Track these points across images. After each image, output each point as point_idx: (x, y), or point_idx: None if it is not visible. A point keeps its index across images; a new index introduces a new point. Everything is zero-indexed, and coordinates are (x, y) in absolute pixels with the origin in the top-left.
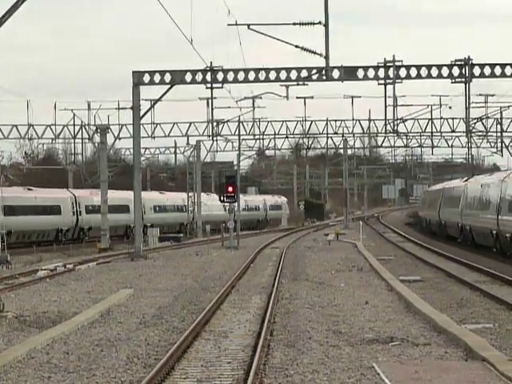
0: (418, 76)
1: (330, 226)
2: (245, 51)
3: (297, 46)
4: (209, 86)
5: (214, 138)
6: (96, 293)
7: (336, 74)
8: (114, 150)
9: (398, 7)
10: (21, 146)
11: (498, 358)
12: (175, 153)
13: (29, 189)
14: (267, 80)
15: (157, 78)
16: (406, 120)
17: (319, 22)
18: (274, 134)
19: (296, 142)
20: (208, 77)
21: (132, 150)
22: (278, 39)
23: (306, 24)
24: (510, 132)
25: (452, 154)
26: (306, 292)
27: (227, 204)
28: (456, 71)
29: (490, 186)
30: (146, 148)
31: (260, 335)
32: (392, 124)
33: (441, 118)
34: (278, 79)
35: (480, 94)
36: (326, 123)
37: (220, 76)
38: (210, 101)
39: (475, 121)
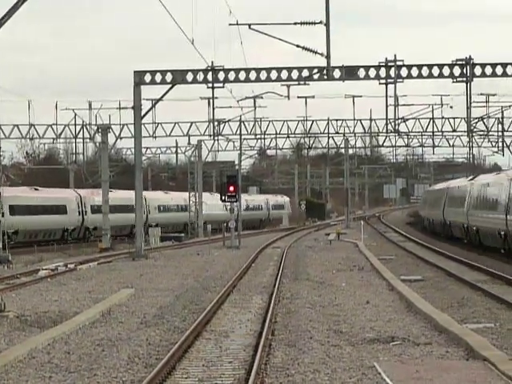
0: (420, 75)
1: (331, 226)
2: (246, 51)
3: (298, 46)
4: (210, 85)
5: (216, 138)
6: (97, 292)
7: (337, 73)
8: (116, 149)
9: (398, 7)
10: (22, 146)
11: (499, 358)
12: (176, 152)
13: (35, 189)
14: (268, 80)
15: (158, 77)
16: (407, 119)
17: (320, 22)
18: (276, 134)
19: (297, 142)
20: (209, 76)
21: (133, 150)
22: (279, 39)
23: (307, 24)
24: (511, 131)
25: (453, 154)
26: (307, 292)
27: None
28: (457, 71)
29: (498, 185)
30: (147, 148)
31: (261, 335)
32: (393, 123)
33: (442, 117)
34: (279, 79)
35: (481, 94)
36: (328, 123)
37: (221, 76)
38: (211, 100)
39: (476, 120)
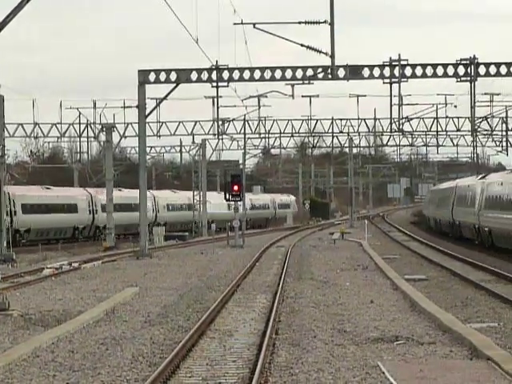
0: (424, 75)
1: (335, 225)
2: (250, 50)
3: (302, 45)
4: (214, 84)
5: (220, 137)
6: (101, 291)
7: (341, 72)
8: (120, 148)
9: (398, 7)
10: (26, 145)
11: (502, 357)
12: (180, 151)
13: (47, 188)
14: (273, 79)
15: (162, 76)
16: (412, 119)
17: (325, 21)
18: (280, 133)
19: (301, 141)
20: (214, 75)
21: (137, 149)
22: (283, 38)
23: (311, 23)
24: None
25: (457, 153)
26: (311, 291)
27: (239, 202)
28: (461, 70)
29: None
30: (151, 147)
31: (265, 334)
32: (397, 123)
33: (446, 116)
34: (283, 78)
35: (485, 93)
36: (332, 122)
37: (226, 75)
38: (215, 99)
39: (480, 120)
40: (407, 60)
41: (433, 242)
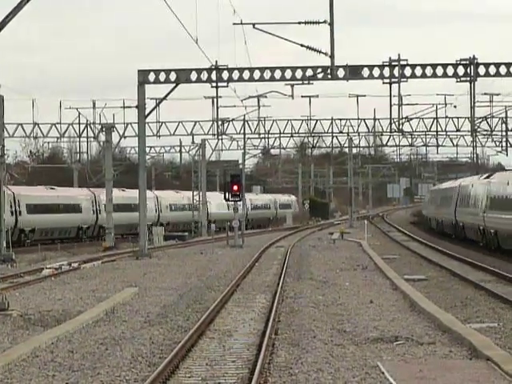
0: (423, 75)
1: (334, 225)
2: (250, 50)
3: (302, 45)
4: (214, 84)
5: (219, 137)
6: (100, 291)
7: (341, 73)
8: (119, 148)
9: (398, 7)
10: (26, 145)
11: (502, 358)
12: (180, 151)
13: (51, 188)
14: (272, 79)
15: (162, 76)
16: (411, 119)
17: (324, 21)
18: (279, 133)
19: (301, 141)
20: (213, 76)
21: (137, 149)
22: (283, 38)
23: (311, 23)
24: None
25: (457, 153)
26: (311, 291)
27: (239, 202)
28: (461, 70)
29: None
30: (151, 147)
31: (264, 334)
32: (397, 123)
33: (446, 117)
34: (283, 78)
35: (485, 93)
36: (331, 122)
37: (225, 75)
38: (215, 99)
39: (480, 120)
40: (407, 60)
41: (432, 242)
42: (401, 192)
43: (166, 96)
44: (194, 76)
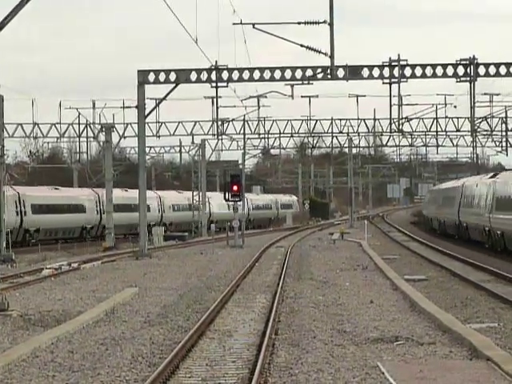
0: (423, 75)
1: (334, 225)
2: (249, 50)
3: (302, 45)
4: (214, 84)
5: (219, 137)
6: (100, 292)
7: (341, 73)
8: (119, 148)
9: (398, 7)
10: (26, 145)
11: (502, 358)
12: (180, 152)
13: (55, 188)
14: (272, 79)
15: (162, 77)
16: (411, 119)
17: (324, 22)
18: (279, 133)
19: (301, 141)
20: (213, 76)
21: (137, 149)
22: (283, 38)
23: (311, 23)
24: None
25: (457, 154)
26: (311, 291)
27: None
28: (461, 70)
29: None
30: (150, 147)
31: (265, 334)
32: (397, 123)
33: (446, 117)
34: (283, 78)
35: (485, 94)
36: (331, 122)
37: (225, 75)
38: (215, 100)
39: (480, 120)
40: (407, 60)
41: (433, 242)
42: (401, 192)
43: (166, 96)
44: (193, 76)
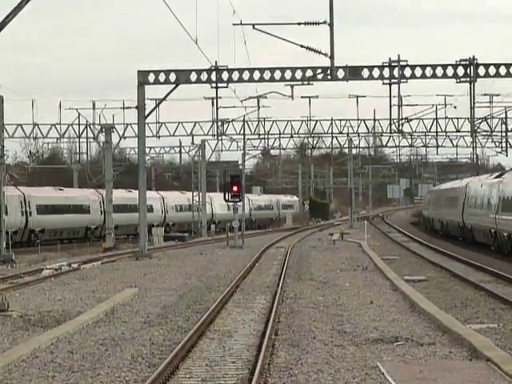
0: (423, 76)
1: (334, 226)
2: (249, 50)
3: (302, 46)
4: (214, 85)
5: (219, 138)
6: (100, 292)
7: (341, 73)
8: (119, 149)
9: (398, 7)
10: (26, 146)
11: (502, 358)
12: (180, 152)
13: (60, 189)
14: (272, 80)
15: (162, 77)
16: (411, 120)
17: (324, 22)
18: (279, 134)
19: (301, 142)
20: (213, 76)
21: (137, 150)
22: (282, 39)
23: (311, 24)
24: None
25: (457, 154)
26: (311, 291)
27: (251, 202)
28: (461, 71)
29: None
30: (150, 147)
31: (264, 335)
32: (397, 124)
33: (446, 117)
34: (282, 79)
35: (485, 94)
36: (331, 123)
37: (225, 75)
38: (214, 100)
39: (480, 120)
40: (406, 61)
41: (433, 243)
42: (401, 193)
43: (166, 97)
44: (193, 77)
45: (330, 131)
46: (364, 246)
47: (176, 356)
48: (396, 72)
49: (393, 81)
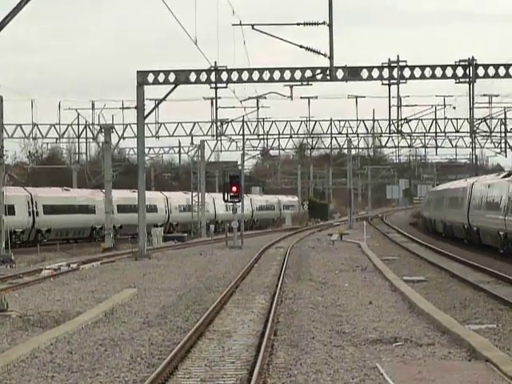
0: (422, 76)
1: (333, 226)
2: (249, 51)
3: (301, 46)
4: (213, 85)
5: (218, 138)
6: (100, 292)
7: (340, 74)
8: (118, 149)
9: (398, 7)
10: (25, 146)
11: (501, 359)
12: (179, 152)
13: (66, 189)
14: (271, 80)
15: (161, 77)
16: (410, 120)
17: (323, 22)
18: (278, 134)
19: (300, 142)
20: (212, 77)
21: (136, 150)
22: (282, 39)
23: (310, 24)
24: None
25: (456, 155)
26: (310, 292)
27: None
28: (460, 71)
29: None
30: (150, 148)
31: (263, 335)
32: (396, 124)
33: (445, 118)
34: (282, 79)
35: (484, 95)
36: (330, 123)
37: (224, 76)
38: (214, 100)
39: (479, 121)
40: (406, 61)
41: (432, 243)
42: (400, 193)
43: (165, 97)
44: (193, 77)
45: (329, 132)
46: (363, 246)
47: (175, 356)
48: (395, 72)
49: (392, 81)
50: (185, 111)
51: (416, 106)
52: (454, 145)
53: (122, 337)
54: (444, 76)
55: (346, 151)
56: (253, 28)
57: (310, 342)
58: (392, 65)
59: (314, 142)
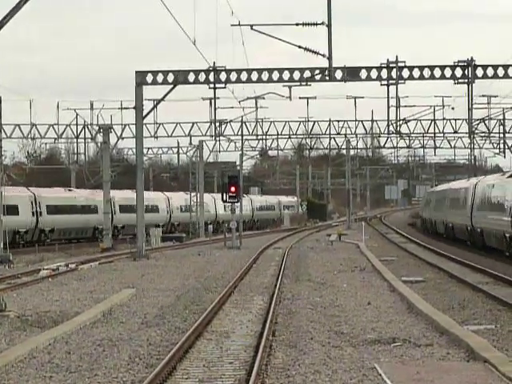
0: (421, 77)
1: (332, 227)
2: (247, 51)
3: (300, 47)
4: (212, 86)
5: (217, 138)
6: (98, 292)
7: (339, 74)
8: (117, 149)
9: (398, 7)
10: (23, 146)
11: (499, 359)
12: (178, 153)
13: (69, 189)
14: (270, 80)
15: (160, 77)
16: (409, 121)
17: (322, 23)
18: (277, 135)
19: (299, 143)
20: (211, 77)
21: (135, 150)
22: (281, 40)
23: (309, 24)
24: None
25: (454, 155)
26: (308, 292)
27: (254, 203)
28: (459, 72)
29: None
30: (148, 148)
31: (262, 335)
32: (395, 125)
33: (443, 118)
34: (280, 80)
35: (483, 95)
36: (329, 124)
37: (223, 76)
38: (212, 101)
39: (478, 122)
40: (405, 62)
41: (431, 244)
42: (398, 194)
43: (164, 97)
44: (191, 77)
45: (327, 132)
46: (362, 246)
47: (173, 357)
48: (394, 73)
49: (391, 82)
50: (183, 111)
51: (415, 106)
52: (452, 145)
53: (121, 337)
54: (443, 76)
55: (344, 151)
56: (251, 28)
57: (308, 342)
58: (391, 65)
59: (313, 143)
